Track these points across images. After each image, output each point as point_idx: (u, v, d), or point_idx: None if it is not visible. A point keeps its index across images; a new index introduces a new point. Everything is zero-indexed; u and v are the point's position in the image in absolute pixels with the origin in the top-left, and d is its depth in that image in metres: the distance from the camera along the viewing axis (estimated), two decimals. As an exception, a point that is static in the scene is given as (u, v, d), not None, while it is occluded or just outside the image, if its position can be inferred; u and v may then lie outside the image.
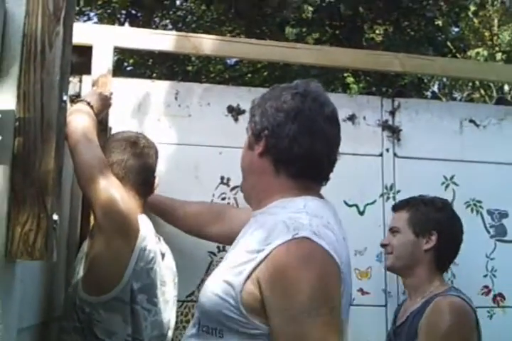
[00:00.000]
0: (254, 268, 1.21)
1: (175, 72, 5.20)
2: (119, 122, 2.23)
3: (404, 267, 2.04)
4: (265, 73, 5.34)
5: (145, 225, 1.76)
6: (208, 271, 2.13)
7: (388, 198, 2.30)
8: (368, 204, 2.28)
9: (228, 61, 6.18)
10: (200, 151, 2.25)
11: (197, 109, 2.29)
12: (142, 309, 1.70)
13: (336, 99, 2.32)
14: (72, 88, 2.27)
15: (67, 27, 1.26)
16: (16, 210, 1.20)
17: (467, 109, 2.46)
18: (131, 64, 5.51)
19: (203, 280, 2.11)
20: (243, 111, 2.30)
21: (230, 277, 1.24)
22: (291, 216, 1.27)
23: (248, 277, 1.21)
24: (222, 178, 2.23)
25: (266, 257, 1.21)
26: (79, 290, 1.68)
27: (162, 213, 2.07)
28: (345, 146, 2.25)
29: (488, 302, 2.31)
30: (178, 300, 2.08)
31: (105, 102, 2.10)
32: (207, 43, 2.33)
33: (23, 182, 1.21)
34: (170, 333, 1.84)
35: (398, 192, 2.31)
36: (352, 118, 2.34)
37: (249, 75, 5.53)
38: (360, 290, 2.22)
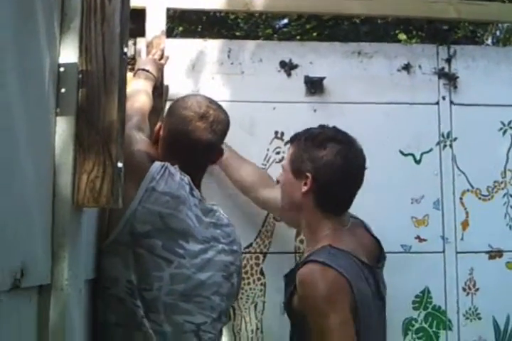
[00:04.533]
0: None
1: (224, 37, 5.21)
2: (175, 81, 2.29)
3: (290, 212, 1.82)
4: (315, 34, 5.30)
5: (162, 171, 1.65)
6: (265, 223, 2.20)
7: (445, 146, 2.29)
8: (424, 153, 2.28)
9: (277, 25, 6.14)
10: (254, 107, 2.28)
11: (249, 66, 2.31)
12: (153, 256, 1.58)
13: (390, 48, 2.39)
14: (128, 51, 2.32)
15: (125, -20, 1.29)
16: (81, 159, 1.23)
17: (524, 54, 2.42)
18: (181, 32, 5.54)
19: (260, 232, 2.19)
20: (296, 66, 2.32)
21: None
22: None
23: None
24: (276, 133, 2.27)
25: None
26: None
27: (225, 167, 2.13)
28: (401, 96, 2.32)
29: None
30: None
31: (161, 67, 2.19)
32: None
33: (88, 131, 1.24)
34: (218, 299, 1.66)
35: (455, 139, 2.30)
36: (407, 67, 2.33)
37: (299, 37, 5.49)
38: (418, 237, 2.24)
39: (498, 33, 6.96)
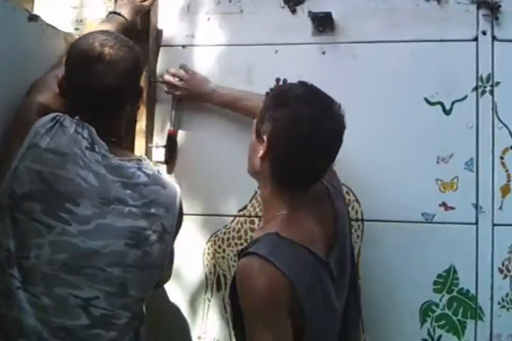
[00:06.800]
0: None
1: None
2: (169, 25, 2.05)
3: (254, 176, 1.53)
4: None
5: (51, 124, 1.44)
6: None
7: (484, 92, 1.83)
8: (456, 101, 1.84)
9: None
10: (254, 51, 1.97)
11: (249, 3, 2.00)
12: (32, 221, 1.38)
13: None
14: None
15: None
16: None
17: None
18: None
19: (256, 193, 1.90)
20: (301, 1, 1.96)
21: None
22: None
23: None
24: (278, 80, 1.92)
25: None
26: None
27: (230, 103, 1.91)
28: (430, 31, 1.88)
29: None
30: (228, 215, 1.93)
31: (141, 9, 1.94)
32: None
33: None
34: (118, 271, 1.42)
35: (497, 84, 1.82)
36: (438, -5, 1.89)
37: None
38: (443, 204, 1.81)
39: None
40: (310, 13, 1.92)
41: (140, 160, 1.55)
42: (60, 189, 1.40)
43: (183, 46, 2.03)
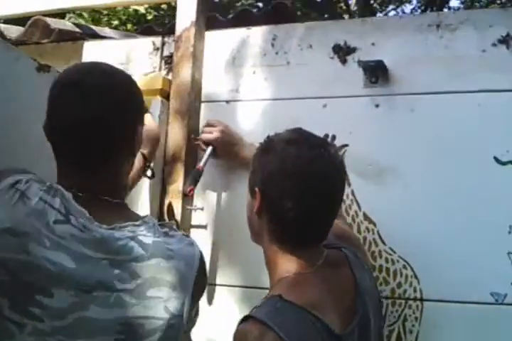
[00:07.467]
0: None
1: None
2: (213, 79, 1.93)
3: (256, 240, 1.32)
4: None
5: (10, 194, 1.11)
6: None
7: None
8: (530, 160, 1.58)
9: None
10: (300, 106, 1.81)
11: (297, 54, 1.85)
12: (2, 319, 1.08)
13: (482, 16, 1.70)
14: (167, 49, 2.03)
15: None
16: None
17: None
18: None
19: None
20: (353, 50, 1.79)
21: None
22: None
23: None
24: (326, 136, 1.74)
25: None
26: None
27: None
28: (498, 80, 1.64)
29: None
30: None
31: (155, 137, 1.75)
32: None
33: None
34: None
35: None
36: (506, 40, 1.64)
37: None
38: (518, 283, 1.53)
39: None
40: (360, 62, 1.73)
41: (138, 224, 1.19)
42: (26, 278, 1.10)
43: (227, 101, 1.90)
